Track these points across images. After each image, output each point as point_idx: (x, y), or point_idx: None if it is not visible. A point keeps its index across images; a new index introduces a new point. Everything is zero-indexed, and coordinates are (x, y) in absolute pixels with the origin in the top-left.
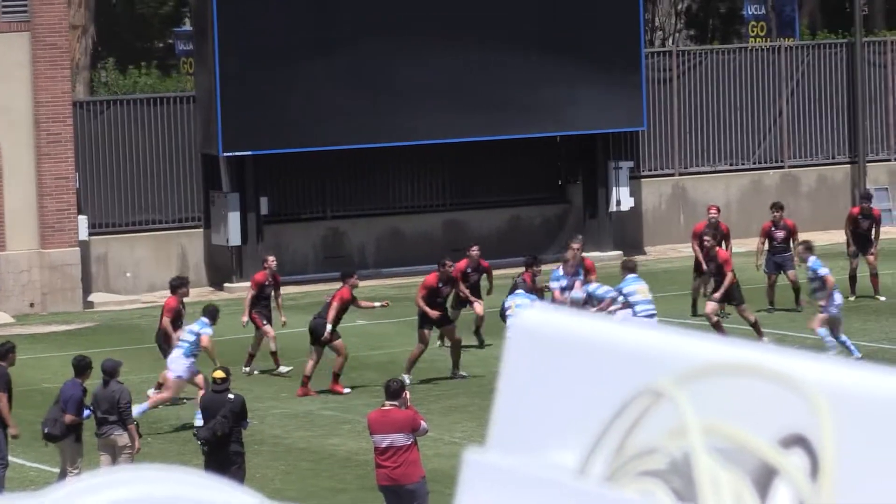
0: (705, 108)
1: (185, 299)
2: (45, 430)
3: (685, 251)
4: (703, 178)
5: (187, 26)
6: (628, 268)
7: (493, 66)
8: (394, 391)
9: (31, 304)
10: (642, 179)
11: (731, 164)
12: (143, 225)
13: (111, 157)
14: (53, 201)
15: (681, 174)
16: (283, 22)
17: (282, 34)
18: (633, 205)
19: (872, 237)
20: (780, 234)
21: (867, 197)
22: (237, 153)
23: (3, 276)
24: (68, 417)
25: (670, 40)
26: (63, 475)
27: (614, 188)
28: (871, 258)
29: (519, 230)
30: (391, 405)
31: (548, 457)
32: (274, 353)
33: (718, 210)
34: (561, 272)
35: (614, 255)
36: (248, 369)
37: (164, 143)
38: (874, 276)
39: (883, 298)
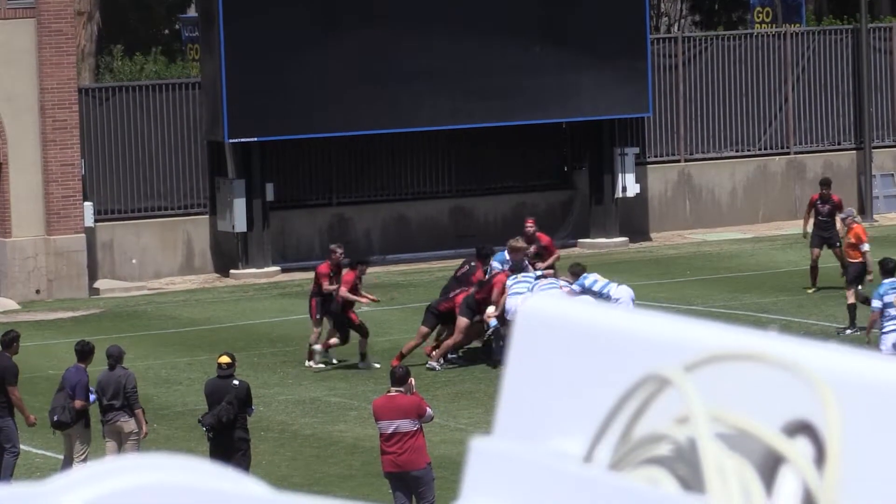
0: (711, 94)
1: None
2: (55, 419)
3: (691, 237)
4: (709, 164)
5: (193, 12)
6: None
7: (499, 52)
8: (399, 377)
9: (37, 291)
10: (648, 166)
11: (736, 151)
12: (149, 211)
13: (117, 143)
14: (59, 188)
15: (686, 160)
16: (289, 8)
17: (287, 20)
18: (638, 191)
19: (837, 227)
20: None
21: (826, 183)
22: (243, 139)
23: (9, 263)
24: (78, 403)
25: (676, 26)
26: (68, 463)
27: (620, 174)
28: (837, 251)
29: (525, 217)
30: (396, 391)
31: (554, 444)
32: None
33: (534, 222)
34: (507, 256)
35: (620, 242)
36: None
37: (169, 129)
38: (845, 269)
39: (870, 278)
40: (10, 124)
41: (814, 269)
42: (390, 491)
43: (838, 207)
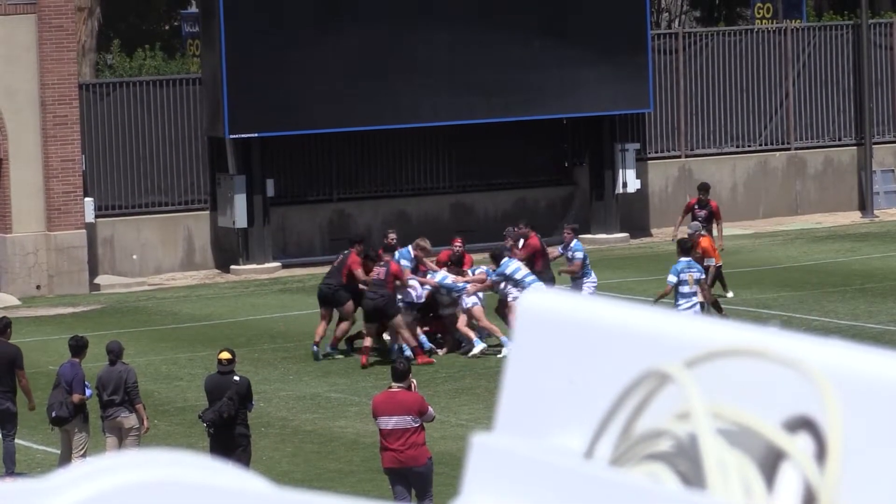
0: (711, 89)
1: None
2: (53, 414)
3: None
4: (710, 159)
5: (194, 8)
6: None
7: (500, 47)
8: (400, 373)
9: (38, 287)
10: (648, 161)
11: (737, 146)
12: (150, 207)
13: (117, 139)
14: (60, 184)
15: (687, 156)
16: (289, 3)
17: (288, 16)
18: (639, 187)
19: (714, 233)
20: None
21: (704, 188)
22: (243, 135)
23: (10, 259)
24: (76, 397)
25: (676, 22)
26: (65, 458)
27: (620, 170)
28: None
29: (525, 212)
30: (398, 387)
31: (555, 440)
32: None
33: (463, 242)
34: (412, 254)
35: (621, 238)
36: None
37: (170, 125)
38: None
39: (731, 294)
40: (11, 120)
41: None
42: (390, 486)
43: (715, 214)
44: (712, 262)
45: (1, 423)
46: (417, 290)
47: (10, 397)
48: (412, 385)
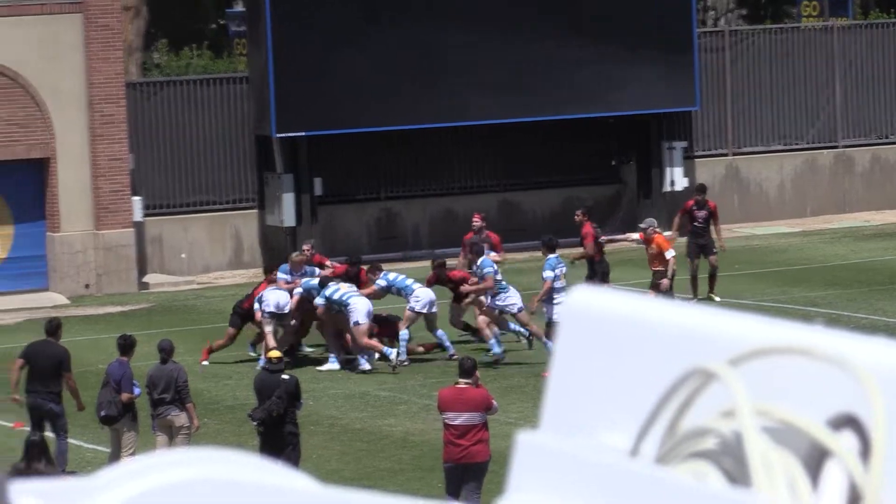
0: (758, 87)
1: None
2: (102, 413)
3: (739, 231)
4: (757, 157)
5: (240, 7)
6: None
7: (547, 46)
8: (467, 369)
9: (87, 286)
10: (696, 159)
11: (784, 144)
12: (198, 206)
13: (165, 138)
14: (108, 182)
15: (734, 154)
16: (335, 2)
17: (335, 13)
18: (686, 185)
19: (713, 234)
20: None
21: (702, 189)
22: (291, 134)
23: (59, 258)
24: (125, 396)
25: (722, 20)
26: (115, 457)
27: (668, 168)
28: (712, 259)
29: (572, 211)
30: (466, 383)
31: (600, 438)
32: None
33: (482, 217)
34: (289, 267)
35: (668, 236)
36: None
37: (217, 124)
38: (713, 277)
39: (718, 298)
40: (59, 119)
41: (694, 279)
42: (442, 484)
43: (714, 214)
44: (672, 254)
45: (50, 423)
46: (269, 302)
47: (54, 398)
48: (478, 380)
